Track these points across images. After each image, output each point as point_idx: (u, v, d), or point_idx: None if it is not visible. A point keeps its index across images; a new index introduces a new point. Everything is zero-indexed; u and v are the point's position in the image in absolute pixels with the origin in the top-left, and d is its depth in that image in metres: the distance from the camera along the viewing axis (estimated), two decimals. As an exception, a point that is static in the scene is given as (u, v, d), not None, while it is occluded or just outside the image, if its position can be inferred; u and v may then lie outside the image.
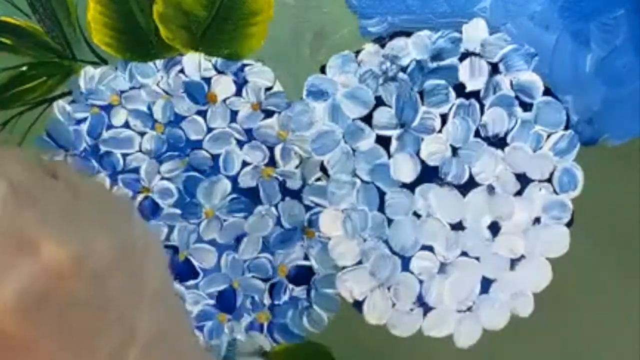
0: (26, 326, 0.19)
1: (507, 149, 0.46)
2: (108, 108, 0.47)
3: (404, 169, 0.46)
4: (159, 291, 0.23)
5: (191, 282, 0.48)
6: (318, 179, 0.47)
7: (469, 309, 0.47)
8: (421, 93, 0.45)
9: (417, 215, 0.46)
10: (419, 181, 0.46)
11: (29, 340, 0.19)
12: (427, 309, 0.47)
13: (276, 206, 0.47)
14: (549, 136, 0.46)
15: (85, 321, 0.20)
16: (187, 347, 0.25)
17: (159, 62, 0.46)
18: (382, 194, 0.46)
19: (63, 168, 0.24)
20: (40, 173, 0.22)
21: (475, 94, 0.46)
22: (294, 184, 0.47)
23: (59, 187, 0.22)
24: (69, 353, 0.20)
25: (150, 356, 0.21)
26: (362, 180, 0.46)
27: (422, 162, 0.46)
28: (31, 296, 0.19)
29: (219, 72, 0.46)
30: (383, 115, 0.46)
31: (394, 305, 0.47)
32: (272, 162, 0.47)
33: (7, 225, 0.20)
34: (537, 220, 0.47)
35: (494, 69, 0.45)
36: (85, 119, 0.47)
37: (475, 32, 0.45)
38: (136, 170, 0.47)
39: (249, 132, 0.47)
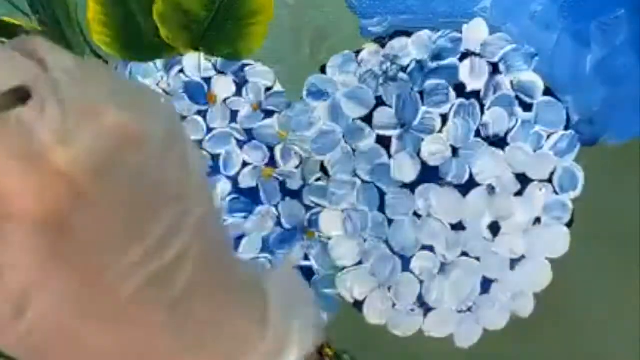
0: (98, 183, 0.20)
1: (507, 149, 0.46)
2: (108, 108, 0.47)
3: (405, 169, 0.46)
4: (201, 177, 0.23)
5: (191, 283, 0.48)
6: (318, 179, 0.47)
7: (469, 309, 0.47)
8: (421, 93, 0.45)
9: (417, 215, 0.46)
10: (419, 181, 0.46)
11: (100, 197, 0.20)
12: (427, 309, 0.47)
13: (276, 206, 0.47)
14: (549, 136, 0.46)
15: (149, 191, 0.21)
16: (228, 239, 0.26)
17: (159, 62, 0.46)
18: (382, 194, 0.46)
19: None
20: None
21: (475, 94, 0.46)
22: (294, 184, 0.47)
23: (103, 68, 0.23)
24: (135, 217, 0.21)
25: (201, 236, 0.22)
26: (362, 180, 0.46)
27: (423, 162, 0.46)
28: (101, 155, 0.20)
29: (219, 72, 0.46)
30: (383, 115, 0.46)
31: (394, 305, 0.47)
32: (272, 162, 0.47)
33: (71, 96, 0.20)
34: (537, 220, 0.47)
35: (494, 69, 0.45)
36: (85, 119, 0.47)
37: (475, 32, 0.45)
38: (136, 170, 0.47)
39: (249, 132, 0.47)
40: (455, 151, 0.46)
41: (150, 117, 0.22)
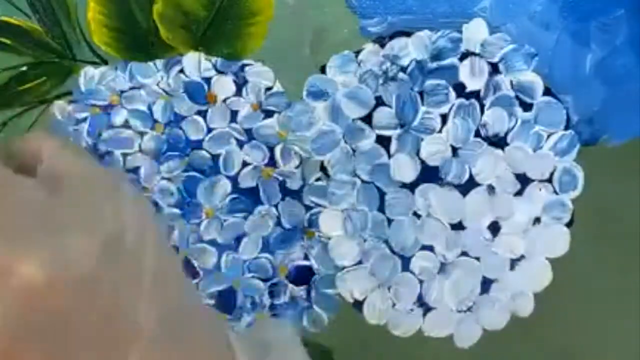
0: (14, 346, 0.18)
1: (507, 149, 0.46)
2: (108, 108, 0.47)
3: (404, 169, 0.46)
4: (159, 274, 0.21)
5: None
6: (318, 179, 0.47)
7: (469, 309, 0.47)
8: (421, 93, 0.45)
9: (417, 215, 0.46)
10: (419, 181, 0.46)
11: (19, 357, 0.18)
12: (427, 309, 0.47)
13: (276, 206, 0.47)
14: (549, 136, 0.46)
15: (76, 330, 0.19)
16: (199, 329, 0.23)
17: (159, 62, 0.46)
18: (382, 194, 0.46)
19: (46, 147, 0.22)
20: (2, 172, 0.21)
21: (475, 94, 0.46)
22: (294, 184, 0.47)
23: (28, 185, 0.21)
24: None
25: (157, 347, 0.20)
26: (362, 180, 0.46)
27: (422, 162, 0.46)
28: (13, 320, 0.18)
29: (219, 72, 0.46)
30: (383, 115, 0.46)
31: (394, 305, 0.47)
32: (272, 162, 0.47)
33: None
34: (537, 220, 0.47)
35: (494, 69, 0.45)
36: (85, 119, 0.47)
37: (475, 32, 0.45)
38: (136, 170, 0.47)
39: (249, 132, 0.47)
40: (455, 151, 0.46)
41: (80, 239, 0.19)
